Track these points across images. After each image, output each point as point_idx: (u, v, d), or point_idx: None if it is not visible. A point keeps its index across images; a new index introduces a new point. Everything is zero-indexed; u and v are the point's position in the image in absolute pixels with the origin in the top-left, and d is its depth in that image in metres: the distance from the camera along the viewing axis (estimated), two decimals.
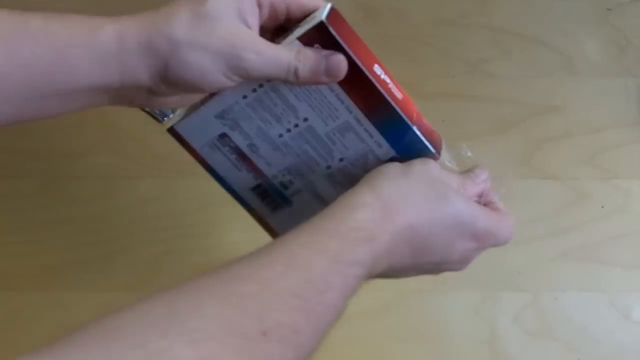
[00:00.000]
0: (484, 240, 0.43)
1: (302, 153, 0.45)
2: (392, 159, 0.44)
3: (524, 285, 0.64)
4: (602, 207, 0.67)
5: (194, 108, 0.45)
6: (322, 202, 0.47)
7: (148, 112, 0.68)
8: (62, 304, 0.61)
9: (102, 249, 0.64)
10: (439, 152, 0.44)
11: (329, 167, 0.45)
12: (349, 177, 0.45)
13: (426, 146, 0.43)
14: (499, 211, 0.44)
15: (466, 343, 0.62)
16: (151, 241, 0.64)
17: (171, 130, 0.46)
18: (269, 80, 0.42)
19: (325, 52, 0.40)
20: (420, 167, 0.42)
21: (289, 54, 0.40)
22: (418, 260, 0.41)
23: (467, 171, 0.46)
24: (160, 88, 0.41)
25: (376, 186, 0.41)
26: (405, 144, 0.43)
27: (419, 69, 0.71)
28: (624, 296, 0.64)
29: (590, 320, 0.63)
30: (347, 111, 0.42)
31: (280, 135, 0.44)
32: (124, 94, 0.42)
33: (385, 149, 0.43)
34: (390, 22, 0.73)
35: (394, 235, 0.39)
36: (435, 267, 0.43)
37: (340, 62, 0.40)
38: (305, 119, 0.43)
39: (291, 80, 0.40)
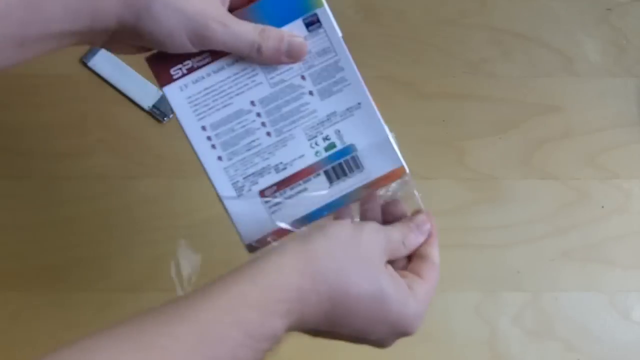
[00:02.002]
0: (402, 332, 0.43)
1: None
2: None
3: (524, 285, 0.64)
4: (602, 207, 0.67)
5: None
6: None
7: (148, 112, 0.68)
8: (62, 304, 0.61)
9: (102, 249, 0.64)
10: None
11: None
12: None
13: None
14: (429, 271, 0.44)
15: (466, 343, 0.62)
16: (151, 241, 0.64)
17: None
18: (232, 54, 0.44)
19: (288, 33, 0.43)
20: (367, 237, 0.41)
21: (254, 31, 0.42)
22: (332, 329, 0.41)
23: (409, 219, 0.45)
24: (123, 37, 0.42)
25: (313, 249, 0.39)
26: None
27: (419, 69, 0.71)
28: (624, 296, 0.64)
29: (590, 320, 0.63)
30: None
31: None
32: (87, 37, 0.42)
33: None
34: (391, 22, 0.73)
35: (314, 306, 0.39)
36: (353, 340, 0.43)
37: (301, 45, 0.43)
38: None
39: (254, 57, 0.43)
